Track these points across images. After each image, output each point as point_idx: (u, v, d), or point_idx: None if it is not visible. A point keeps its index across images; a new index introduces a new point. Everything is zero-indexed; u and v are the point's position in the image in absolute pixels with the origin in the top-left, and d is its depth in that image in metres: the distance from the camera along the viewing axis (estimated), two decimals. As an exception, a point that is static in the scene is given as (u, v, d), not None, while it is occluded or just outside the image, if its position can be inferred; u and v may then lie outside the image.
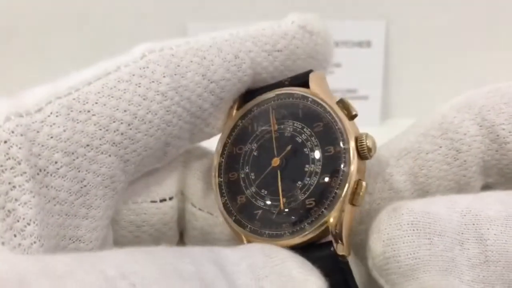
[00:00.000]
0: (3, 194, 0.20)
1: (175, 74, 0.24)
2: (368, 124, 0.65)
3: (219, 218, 0.26)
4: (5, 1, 0.63)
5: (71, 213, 0.22)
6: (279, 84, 0.27)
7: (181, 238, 0.29)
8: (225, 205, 0.25)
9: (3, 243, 0.20)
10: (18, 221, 0.20)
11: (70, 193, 0.22)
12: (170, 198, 0.27)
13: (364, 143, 0.24)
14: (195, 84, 0.25)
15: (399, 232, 0.22)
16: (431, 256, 0.22)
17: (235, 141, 0.26)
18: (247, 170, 0.25)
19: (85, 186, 0.23)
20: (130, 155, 0.24)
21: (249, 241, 0.24)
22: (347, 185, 0.23)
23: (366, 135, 0.24)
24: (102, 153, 0.23)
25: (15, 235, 0.20)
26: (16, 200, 0.20)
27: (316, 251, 0.23)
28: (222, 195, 0.25)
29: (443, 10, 0.63)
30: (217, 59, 0.25)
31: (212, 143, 0.28)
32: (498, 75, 0.64)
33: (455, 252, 0.22)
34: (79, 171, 0.22)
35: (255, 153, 0.26)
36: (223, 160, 0.26)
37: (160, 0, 0.63)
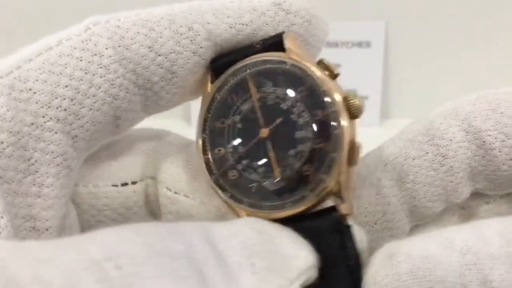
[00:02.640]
0: None
1: (119, 46, 0.24)
2: (368, 124, 0.66)
3: (196, 200, 0.26)
4: (5, 1, 0.63)
5: (21, 192, 0.22)
6: (250, 48, 0.25)
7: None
8: (216, 182, 0.24)
9: None
10: None
11: (17, 171, 0.22)
12: (133, 183, 0.27)
13: (353, 102, 0.23)
14: (141, 57, 0.24)
15: (398, 283, 0.21)
16: None
17: (215, 115, 0.25)
18: (234, 143, 0.24)
19: (33, 164, 0.22)
20: (77, 130, 0.24)
21: (248, 216, 0.24)
22: (342, 147, 0.23)
23: (354, 93, 0.24)
24: (47, 130, 0.23)
25: None
26: None
27: (318, 218, 0.23)
28: (211, 172, 0.24)
29: (443, 10, 0.63)
30: (167, 31, 0.24)
31: (182, 129, 0.28)
32: (497, 75, 0.64)
33: None
34: (25, 150, 0.22)
35: (239, 125, 0.24)
36: (206, 136, 0.25)
37: (160, 0, 0.63)
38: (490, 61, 0.65)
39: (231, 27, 0.25)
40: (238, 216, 0.24)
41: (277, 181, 0.23)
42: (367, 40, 0.66)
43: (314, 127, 0.23)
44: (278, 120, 0.24)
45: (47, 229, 0.23)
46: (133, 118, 0.25)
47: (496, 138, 0.25)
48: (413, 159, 0.26)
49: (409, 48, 0.65)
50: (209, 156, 0.25)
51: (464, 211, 0.27)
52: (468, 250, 0.20)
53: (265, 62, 0.25)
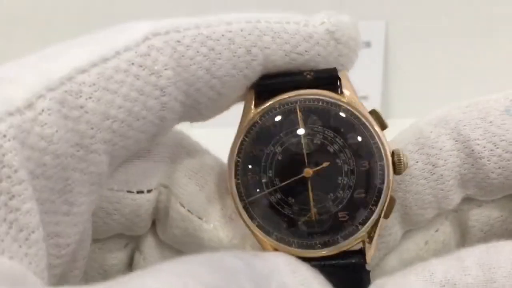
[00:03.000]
0: (3, 206, 0.18)
1: (178, 66, 0.22)
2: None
3: (209, 224, 0.25)
4: (5, 1, 0.63)
5: (51, 211, 0.21)
6: (300, 76, 0.24)
7: (152, 225, 0.27)
8: (245, 208, 0.24)
9: (11, 257, 0.18)
10: (21, 230, 0.18)
11: (53, 192, 0.20)
12: (149, 191, 0.25)
13: (402, 159, 0.24)
14: (197, 79, 0.23)
15: None
16: None
17: (254, 140, 0.24)
18: (270, 174, 0.24)
19: (69, 184, 0.21)
20: (119, 151, 0.22)
21: (275, 250, 0.24)
22: (383, 202, 0.24)
23: (400, 150, 0.24)
24: (92, 152, 0.21)
25: (20, 246, 0.18)
26: (17, 210, 0.18)
27: (344, 259, 0.24)
28: (241, 198, 0.24)
29: (443, 10, 0.63)
30: (226, 52, 0.23)
31: (203, 137, 0.27)
32: (497, 75, 0.64)
33: None
34: (65, 171, 0.20)
35: (279, 157, 0.24)
36: (239, 160, 0.24)
37: (160, 0, 0.63)
38: (490, 61, 0.65)
39: (286, 55, 0.24)
40: (262, 246, 0.24)
41: (312, 221, 0.24)
42: (367, 40, 0.65)
43: (359, 176, 0.24)
44: (325, 164, 0.24)
45: (68, 245, 0.22)
46: (166, 134, 0.25)
47: (484, 147, 0.25)
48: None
49: (409, 48, 0.65)
50: (240, 181, 0.24)
51: (457, 214, 0.27)
52: (447, 282, 0.21)
53: (318, 100, 0.24)
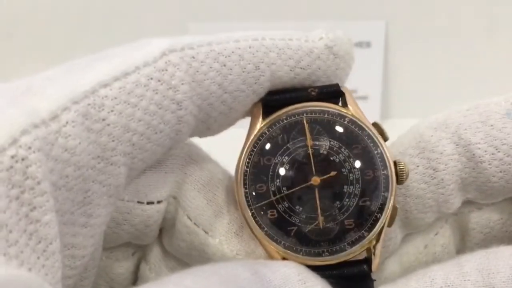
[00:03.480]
0: (24, 217, 0.18)
1: (193, 81, 0.23)
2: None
3: (214, 239, 0.26)
4: (5, 1, 0.63)
5: (70, 222, 0.21)
6: (304, 92, 0.26)
7: (159, 235, 0.28)
8: (253, 217, 0.25)
9: (30, 269, 0.18)
10: (40, 242, 0.19)
11: (73, 204, 0.21)
12: (159, 202, 0.26)
13: (404, 169, 0.25)
14: (210, 93, 0.24)
15: None
16: None
17: (261, 151, 0.25)
18: (277, 184, 0.25)
19: (89, 196, 0.21)
20: (137, 164, 0.23)
21: (283, 258, 0.24)
22: (387, 210, 0.24)
23: (402, 160, 0.25)
24: (112, 164, 0.22)
25: (38, 257, 0.19)
26: (37, 221, 0.19)
27: (350, 267, 0.24)
28: (248, 206, 0.25)
29: (443, 10, 0.63)
30: (236, 68, 0.24)
31: (211, 148, 0.27)
32: (497, 75, 0.64)
33: None
34: (86, 183, 0.21)
35: (286, 167, 0.25)
36: (247, 169, 0.25)
37: (160, 0, 0.63)
38: (490, 61, 0.65)
39: (291, 70, 0.25)
40: (270, 254, 0.25)
41: (319, 229, 0.24)
42: (367, 40, 0.65)
43: (364, 185, 0.24)
44: (333, 173, 0.25)
45: (83, 257, 0.22)
46: (178, 147, 0.25)
47: (485, 151, 0.25)
48: None
49: (409, 48, 0.65)
50: (248, 190, 0.25)
51: (457, 217, 0.28)
52: None
53: (324, 111, 0.25)
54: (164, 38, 0.24)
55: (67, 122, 0.20)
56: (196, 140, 0.27)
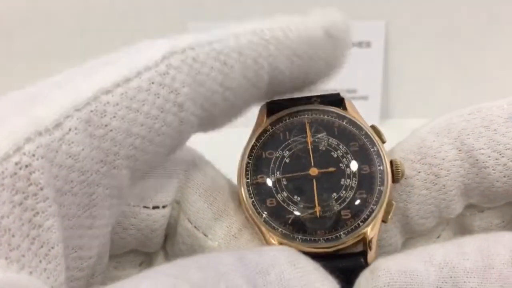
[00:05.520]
0: (27, 222, 0.19)
1: (194, 82, 0.23)
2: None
3: (213, 242, 0.26)
4: (5, 1, 0.63)
5: (76, 225, 0.21)
6: (307, 100, 0.28)
7: (164, 243, 0.28)
8: (253, 205, 0.26)
9: (31, 273, 0.19)
10: (42, 246, 0.19)
11: (79, 208, 0.21)
12: (164, 206, 0.26)
13: (400, 168, 0.25)
14: (212, 93, 0.24)
15: None
16: None
17: (264, 145, 0.27)
18: (278, 175, 0.26)
19: (94, 199, 0.22)
20: (139, 165, 0.23)
21: (280, 244, 0.25)
22: (382, 202, 0.25)
23: (399, 160, 0.26)
24: (115, 168, 0.22)
25: (40, 261, 0.19)
26: (39, 226, 0.19)
27: (346, 260, 0.25)
28: (249, 195, 0.26)
29: (443, 10, 0.63)
30: (237, 64, 0.24)
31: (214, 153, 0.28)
32: (497, 75, 0.64)
33: None
34: (90, 187, 0.21)
35: (286, 160, 0.26)
36: (250, 161, 0.27)
37: (160, 0, 0.63)
38: (490, 61, 0.65)
39: (287, 59, 0.25)
40: (267, 241, 0.25)
41: (316, 218, 0.25)
42: (367, 40, 0.65)
43: (360, 179, 0.26)
44: (331, 169, 0.26)
45: (90, 258, 0.22)
46: (184, 144, 0.26)
47: (489, 157, 0.25)
48: (405, 179, 0.26)
49: (409, 48, 0.65)
50: (250, 180, 0.26)
51: (458, 219, 0.27)
52: (446, 265, 0.21)
53: (324, 112, 0.27)
54: (165, 39, 0.24)
55: (70, 129, 0.20)
56: (196, 140, 0.27)
